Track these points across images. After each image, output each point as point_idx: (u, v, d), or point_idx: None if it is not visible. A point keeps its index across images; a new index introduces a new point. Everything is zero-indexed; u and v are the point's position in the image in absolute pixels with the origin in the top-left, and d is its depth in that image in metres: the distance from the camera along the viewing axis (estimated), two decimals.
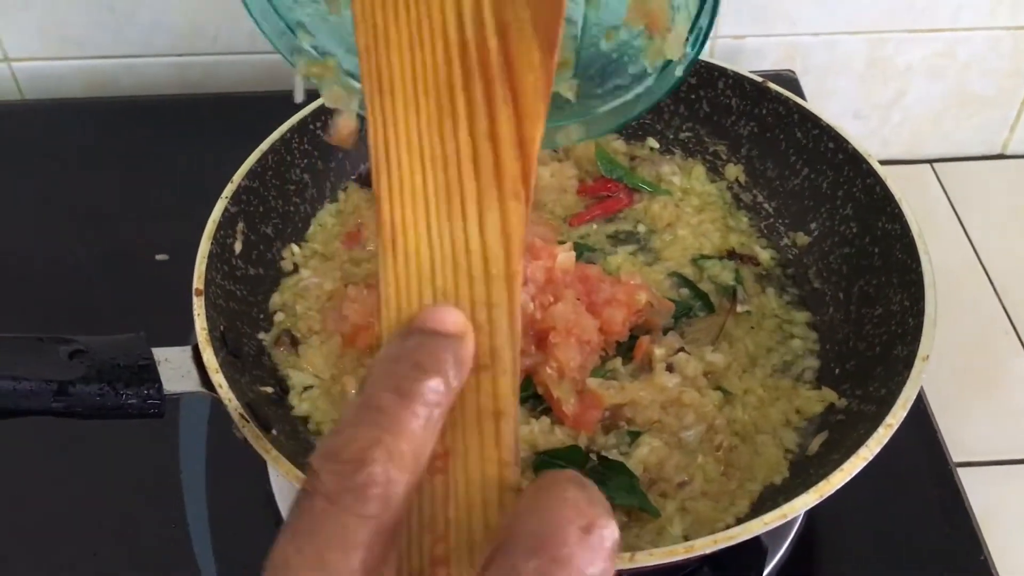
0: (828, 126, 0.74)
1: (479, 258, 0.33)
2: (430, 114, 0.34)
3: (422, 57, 0.34)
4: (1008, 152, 1.05)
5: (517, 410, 0.33)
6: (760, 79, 0.78)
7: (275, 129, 0.74)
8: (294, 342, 0.69)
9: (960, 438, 0.75)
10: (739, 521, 0.57)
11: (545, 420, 0.63)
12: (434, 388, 0.30)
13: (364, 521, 0.28)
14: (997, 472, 0.76)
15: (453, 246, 0.33)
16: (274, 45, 0.52)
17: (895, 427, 0.56)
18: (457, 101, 0.33)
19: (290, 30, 0.51)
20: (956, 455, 0.72)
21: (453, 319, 0.32)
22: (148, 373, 0.56)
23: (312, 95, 0.75)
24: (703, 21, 0.44)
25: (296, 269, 0.74)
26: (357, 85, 0.53)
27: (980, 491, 0.70)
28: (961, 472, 0.71)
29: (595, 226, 0.79)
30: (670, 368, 0.66)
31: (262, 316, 0.71)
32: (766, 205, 0.79)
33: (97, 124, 0.97)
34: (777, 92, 0.77)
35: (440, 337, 0.32)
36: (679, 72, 0.47)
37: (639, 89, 0.50)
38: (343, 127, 0.53)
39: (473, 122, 0.33)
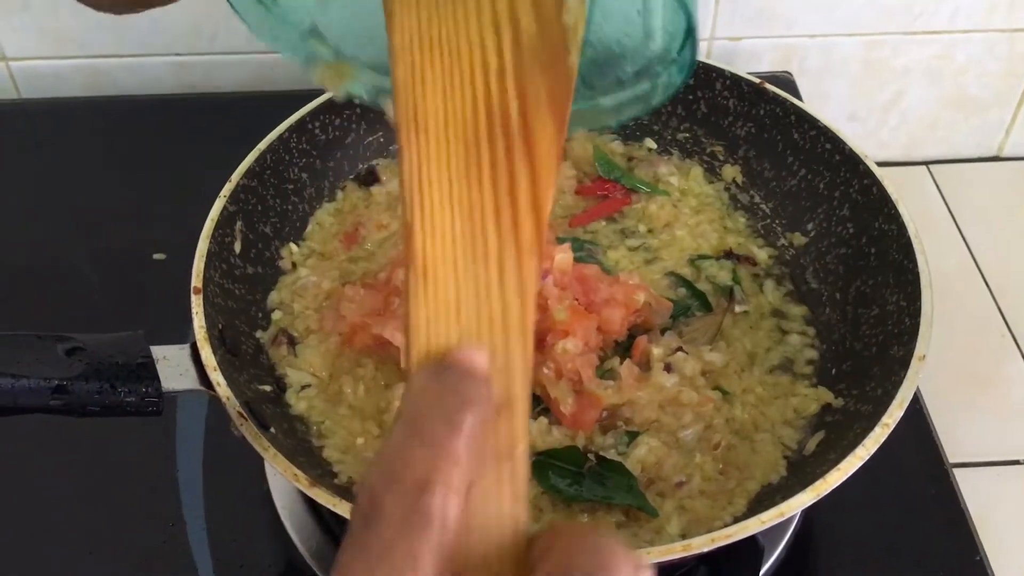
0: (825, 127, 0.74)
1: (499, 305, 0.35)
2: (459, 160, 0.36)
3: (453, 103, 0.36)
4: (1004, 154, 1.06)
5: (527, 451, 0.35)
6: (757, 80, 0.79)
7: (273, 128, 0.74)
8: (292, 341, 0.69)
9: (956, 439, 0.75)
10: (736, 520, 0.58)
11: (543, 420, 0.63)
12: (476, 423, 0.32)
13: (430, 546, 0.29)
14: (993, 473, 0.76)
15: (477, 288, 0.35)
16: (290, 58, 0.52)
17: (891, 427, 0.56)
18: (483, 152, 0.36)
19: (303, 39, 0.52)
20: (952, 456, 0.72)
21: (482, 362, 0.34)
22: (146, 371, 0.56)
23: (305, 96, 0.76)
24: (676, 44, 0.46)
25: (294, 268, 0.74)
26: (367, 77, 0.54)
27: (976, 492, 0.71)
28: (957, 472, 0.71)
29: (604, 223, 0.79)
30: (668, 368, 0.66)
31: (260, 315, 0.71)
32: (763, 206, 0.80)
33: (95, 124, 0.97)
34: (774, 93, 0.78)
35: (476, 376, 0.33)
36: (658, 94, 0.49)
37: (637, 91, 0.51)
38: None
39: (496, 176, 0.36)
